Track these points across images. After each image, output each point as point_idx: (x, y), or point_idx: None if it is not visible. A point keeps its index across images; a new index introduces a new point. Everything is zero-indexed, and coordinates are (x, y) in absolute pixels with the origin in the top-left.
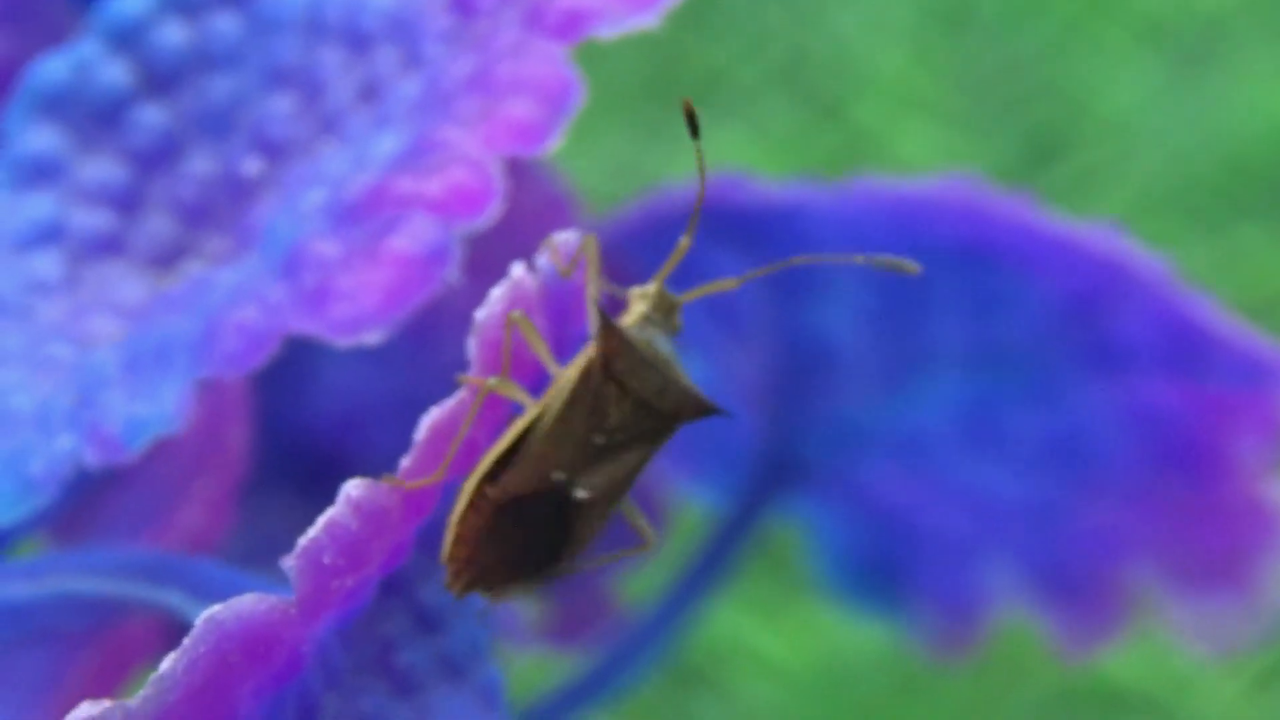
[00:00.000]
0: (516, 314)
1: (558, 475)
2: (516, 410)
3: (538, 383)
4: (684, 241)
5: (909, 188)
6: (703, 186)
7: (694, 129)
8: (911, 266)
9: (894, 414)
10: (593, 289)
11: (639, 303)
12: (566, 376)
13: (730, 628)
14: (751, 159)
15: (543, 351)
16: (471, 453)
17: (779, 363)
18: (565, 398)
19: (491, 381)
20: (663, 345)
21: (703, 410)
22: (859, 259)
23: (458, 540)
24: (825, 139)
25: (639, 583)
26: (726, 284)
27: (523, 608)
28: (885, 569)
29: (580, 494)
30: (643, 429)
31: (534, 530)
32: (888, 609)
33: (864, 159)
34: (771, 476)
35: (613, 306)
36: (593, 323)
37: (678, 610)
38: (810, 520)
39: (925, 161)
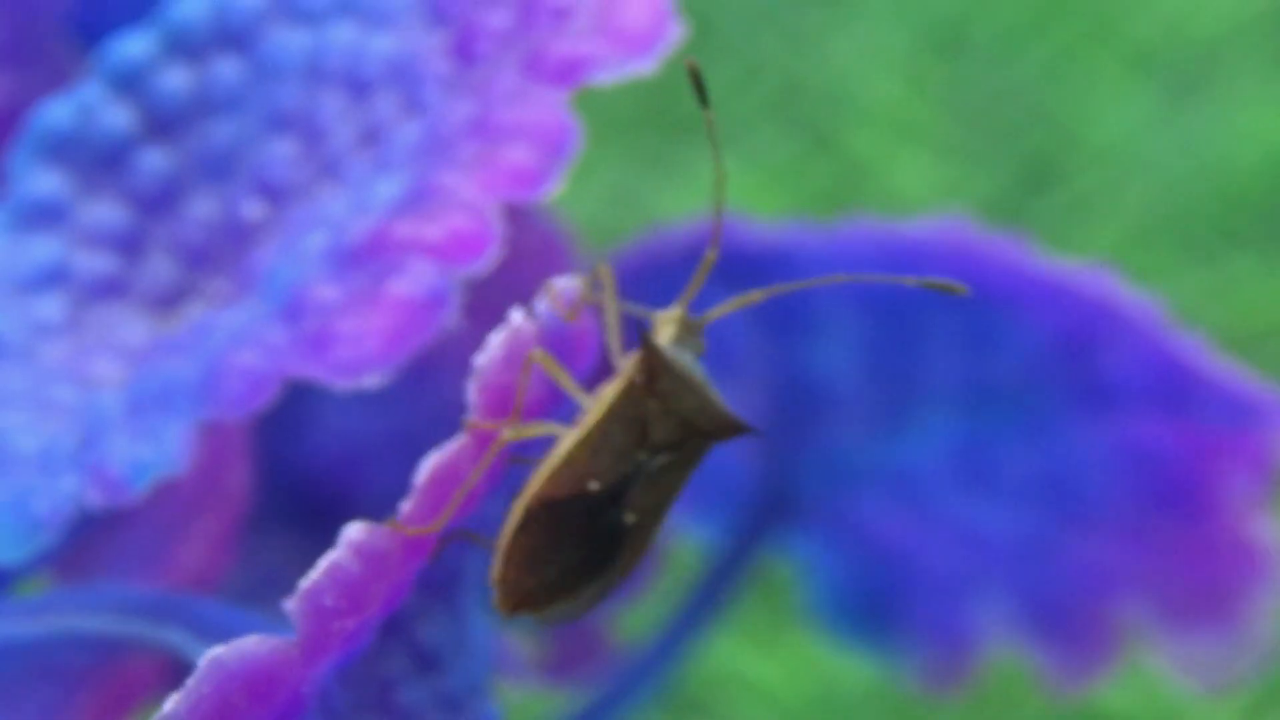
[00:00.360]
0: (538, 353)
1: (594, 485)
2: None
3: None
4: (709, 255)
5: (901, 228)
6: (721, 176)
7: (703, 97)
8: (960, 288)
9: (887, 451)
10: (612, 313)
11: (666, 326)
12: (605, 396)
13: (726, 657)
14: (746, 189)
15: (568, 384)
16: (473, 500)
17: (773, 400)
18: (605, 413)
19: (508, 433)
20: (694, 365)
21: (738, 430)
22: (910, 281)
23: (507, 562)
24: (820, 169)
25: (635, 618)
26: (752, 297)
27: (521, 644)
28: (878, 604)
29: (628, 517)
30: (682, 448)
31: (582, 554)
32: (880, 643)
33: (859, 189)
34: (766, 512)
35: (631, 328)
36: (614, 346)
37: (674, 645)
38: (804, 555)
39: (920, 191)
